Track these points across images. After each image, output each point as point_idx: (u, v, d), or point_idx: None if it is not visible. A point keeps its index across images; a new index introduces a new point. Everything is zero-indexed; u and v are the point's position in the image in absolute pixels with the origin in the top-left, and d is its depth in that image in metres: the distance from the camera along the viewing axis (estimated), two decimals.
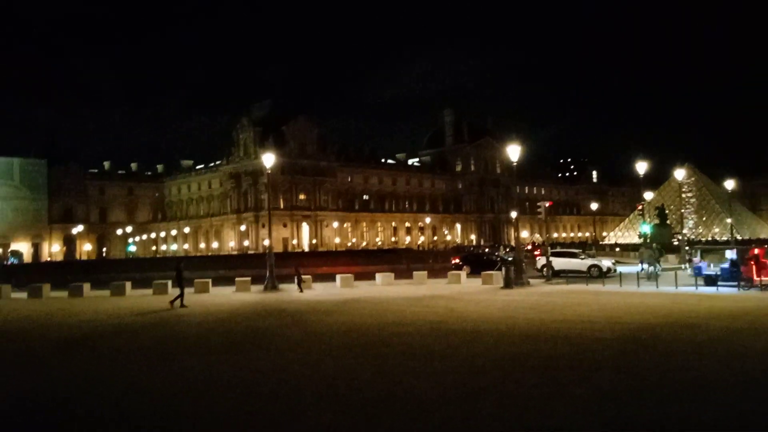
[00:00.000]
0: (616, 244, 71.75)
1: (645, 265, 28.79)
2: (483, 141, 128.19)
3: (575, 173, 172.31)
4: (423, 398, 7.59)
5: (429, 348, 11.19)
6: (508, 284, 24.02)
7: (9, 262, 75.62)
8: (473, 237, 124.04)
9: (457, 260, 36.58)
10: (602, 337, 12.05)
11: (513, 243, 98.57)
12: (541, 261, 31.93)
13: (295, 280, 25.81)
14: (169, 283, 27.11)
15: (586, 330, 12.98)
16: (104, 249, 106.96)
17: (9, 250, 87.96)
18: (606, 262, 31.69)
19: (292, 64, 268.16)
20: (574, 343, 11.39)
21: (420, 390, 8.00)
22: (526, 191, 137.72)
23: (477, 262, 34.76)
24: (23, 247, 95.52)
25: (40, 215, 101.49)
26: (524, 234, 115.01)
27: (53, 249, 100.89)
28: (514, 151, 26.56)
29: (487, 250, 55.66)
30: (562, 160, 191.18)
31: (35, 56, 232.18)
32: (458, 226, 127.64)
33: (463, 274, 29.01)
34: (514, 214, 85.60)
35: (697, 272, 23.26)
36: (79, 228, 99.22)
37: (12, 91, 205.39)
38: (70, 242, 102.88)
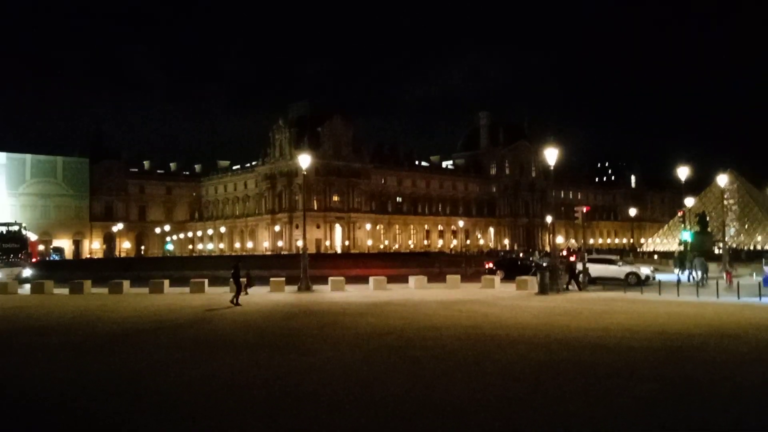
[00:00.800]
0: (655, 252, 70.13)
1: (697, 273, 28.43)
2: (519, 144, 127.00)
3: (613, 178, 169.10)
4: (459, 404, 7.54)
5: (463, 353, 11.12)
6: (543, 290, 23.70)
7: (51, 258, 77.94)
8: (507, 241, 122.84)
9: (491, 265, 36.27)
10: (642, 346, 11.80)
11: (548, 248, 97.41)
12: (577, 267, 31.41)
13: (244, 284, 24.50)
14: (206, 281, 27.62)
15: (624, 338, 12.72)
16: (143, 247, 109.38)
17: (51, 247, 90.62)
18: (644, 270, 31.00)
19: (330, 64, 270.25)
20: (613, 351, 11.17)
21: (456, 395, 7.96)
22: (562, 195, 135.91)
23: (511, 267, 34.41)
24: (65, 244, 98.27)
25: (81, 213, 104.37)
26: (559, 239, 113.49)
27: (94, 246, 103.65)
28: (551, 155, 26.21)
29: (521, 254, 55.00)
30: (599, 164, 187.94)
31: (82, 56, 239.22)
32: (492, 230, 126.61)
33: (496, 278, 28.77)
34: (549, 219, 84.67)
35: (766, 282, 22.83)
36: (119, 226, 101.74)
37: (57, 91, 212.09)
38: (110, 239, 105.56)
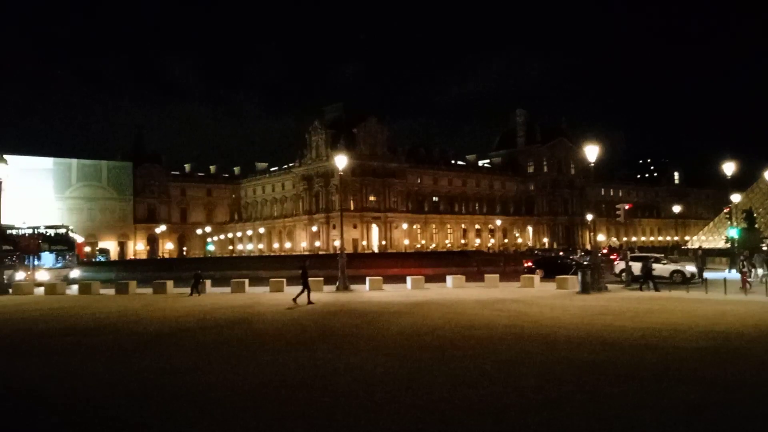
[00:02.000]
0: (700, 249, 68.12)
1: (761, 271, 27.66)
2: (557, 141, 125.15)
3: (655, 174, 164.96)
4: (500, 405, 7.46)
5: (504, 353, 11.00)
6: (585, 289, 23.28)
7: (97, 260, 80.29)
8: (546, 240, 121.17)
9: (530, 264, 35.80)
10: (688, 346, 11.47)
11: (588, 246, 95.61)
12: (619, 266, 30.79)
13: (192, 284, 25.81)
14: (246, 281, 28.04)
15: (670, 338, 12.39)
16: (185, 248, 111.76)
17: (97, 248, 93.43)
18: (690, 268, 30.18)
19: (363, 66, 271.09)
20: (658, 352, 10.89)
21: (497, 396, 7.88)
22: (603, 193, 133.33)
23: (551, 266, 33.90)
24: (110, 245, 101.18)
25: (125, 215, 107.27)
26: (600, 237, 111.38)
27: (138, 247, 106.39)
28: (591, 152, 25.70)
29: (561, 253, 54.19)
30: (641, 161, 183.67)
31: (123, 63, 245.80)
32: (530, 228, 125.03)
33: (536, 278, 28.39)
34: (590, 217, 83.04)
35: None
36: (162, 228, 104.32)
37: (100, 97, 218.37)
38: (153, 241, 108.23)
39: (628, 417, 6.95)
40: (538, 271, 32.66)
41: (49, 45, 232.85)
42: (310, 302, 20.52)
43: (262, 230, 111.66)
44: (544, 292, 24.48)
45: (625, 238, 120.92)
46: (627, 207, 32.11)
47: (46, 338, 14.08)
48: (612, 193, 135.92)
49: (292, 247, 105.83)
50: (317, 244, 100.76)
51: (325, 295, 25.13)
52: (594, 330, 13.69)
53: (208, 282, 28.37)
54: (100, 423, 6.97)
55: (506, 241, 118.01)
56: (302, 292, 20.86)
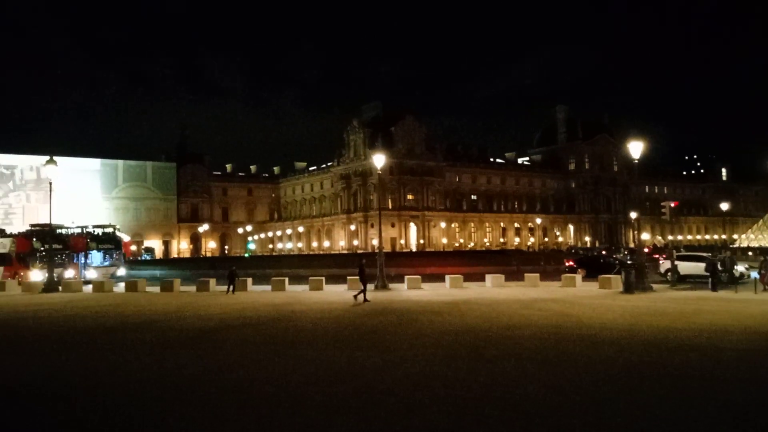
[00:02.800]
0: (749, 248, 65.83)
1: None
2: (599, 138, 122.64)
3: (702, 171, 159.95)
4: (542, 405, 7.36)
5: (545, 353, 10.84)
6: (628, 289, 22.76)
7: (143, 258, 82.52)
8: (587, 239, 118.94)
9: (572, 263, 35.21)
10: (737, 348, 11.12)
11: (631, 245, 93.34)
12: (665, 265, 30.01)
13: (228, 280, 26.25)
14: (286, 280, 28.39)
15: (718, 339, 12.03)
16: (226, 246, 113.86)
17: (142, 247, 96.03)
18: (738, 267, 29.18)
19: (400, 65, 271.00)
20: (703, 353, 10.58)
21: (538, 396, 7.77)
22: (647, 190, 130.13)
23: (593, 265, 33.28)
24: (155, 244, 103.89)
25: (169, 214, 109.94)
26: (645, 236, 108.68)
27: (181, 246, 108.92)
28: (635, 148, 25.09)
29: (603, 252, 53.07)
30: (687, 157, 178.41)
31: (166, 66, 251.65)
32: (571, 227, 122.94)
33: (578, 277, 27.90)
34: (634, 215, 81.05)
35: None
36: (204, 227, 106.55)
37: (145, 99, 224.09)
38: (196, 240, 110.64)
39: (673, 419, 6.77)
40: (579, 270, 32.09)
41: (96, 48, 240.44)
42: (365, 300, 20.88)
43: (301, 229, 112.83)
44: (586, 291, 24.04)
45: (670, 237, 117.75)
46: (673, 204, 31.20)
47: (94, 334, 14.53)
48: (657, 191, 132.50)
49: (331, 246, 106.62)
50: (355, 243, 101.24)
51: None
52: (638, 331, 13.38)
53: (249, 280, 28.82)
54: (147, 415, 7.15)
55: (546, 239, 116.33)
56: (365, 289, 21.24)
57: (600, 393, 7.94)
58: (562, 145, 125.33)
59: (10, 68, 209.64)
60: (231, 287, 26.04)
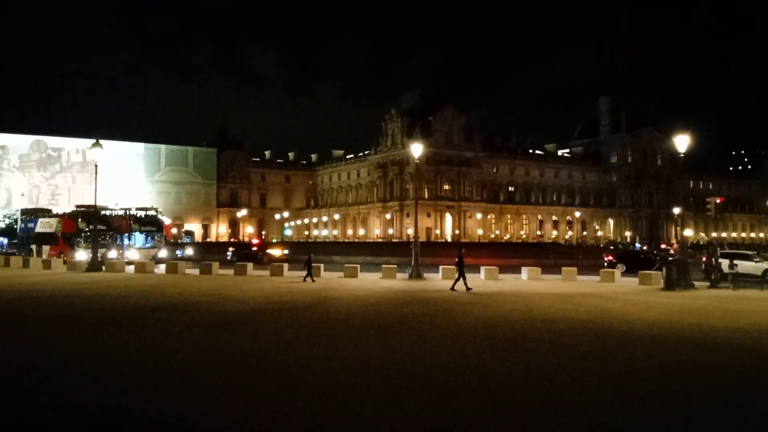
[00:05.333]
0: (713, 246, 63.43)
1: None
2: (643, 131, 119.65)
3: (749, 167, 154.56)
4: (577, 401, 7.26)
5: (582, 348, 10.69)
6: (669, 286, 22.23)
7: (183, 241, 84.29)
8: (628, 234, 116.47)
9: (611, 257, 34.57)
10: None
11: (673, 241, 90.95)
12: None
13: (306, 269, 25.52)
14: (322, 266, 28.64)
15: (761, 340, 11.65)
16: (263, 232, 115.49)
17: (183, 230, 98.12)
18: None
19: (439, 55, 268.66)
20: (748, 354, 10.28)
21: (575, 392, 7.68)
22: (691, 186, 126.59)
23: (633, 261, 32.62)
24: (195, 228, 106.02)
25: (209, 199, 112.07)
26: (687, 232, 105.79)
27: (220, 230, 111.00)
28: (681, 142, 24.38)
29: (644, 247, 51.94)
30: (734, 152, 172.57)
31: (209, 54, 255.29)
32: (611, 221, 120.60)
33: (617, 272, 27.39)
34: (677, 210, 78.95)
35: None
36: (243, 212, 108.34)
37: (188, 86, 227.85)
38: (234, 224, 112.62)
39: (711, 419, 6.61)
40: (619, 265, 31.51)
41: (144, 38, 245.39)
42: (468, 288, 20.79)
43: (336, 217, 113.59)
44: (626, 287, 23.58)
45: (714, 234, 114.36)
46: (718, 201, 30.28)
47: (137, 313, 14.94)
48: (701, 186, 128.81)
49: (366, 234, 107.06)
50: (390, 231, 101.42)
51: (398, 282, 25.30)
52: (679, 329, 13.07)
53: (285, 265, 29.17)
54: (190, 395, 7.33)
55: (585, 233, 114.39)
56: (458, 279, 21.21)
57: (639, 391, 7.80)
58: (604, 137, 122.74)
59: (62, 55, 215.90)
60: (308, 274, 25.18)
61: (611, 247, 66.68)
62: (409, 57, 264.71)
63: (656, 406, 7.15)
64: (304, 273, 25.14)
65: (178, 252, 48.03)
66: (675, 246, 27.51)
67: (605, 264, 33.05)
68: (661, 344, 11.20)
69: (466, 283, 21.06)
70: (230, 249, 46.59)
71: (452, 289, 21.11)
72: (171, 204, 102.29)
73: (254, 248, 44.66)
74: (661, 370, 9.06)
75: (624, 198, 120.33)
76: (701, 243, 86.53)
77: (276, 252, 42.57)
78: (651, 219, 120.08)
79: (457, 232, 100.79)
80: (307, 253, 27.40)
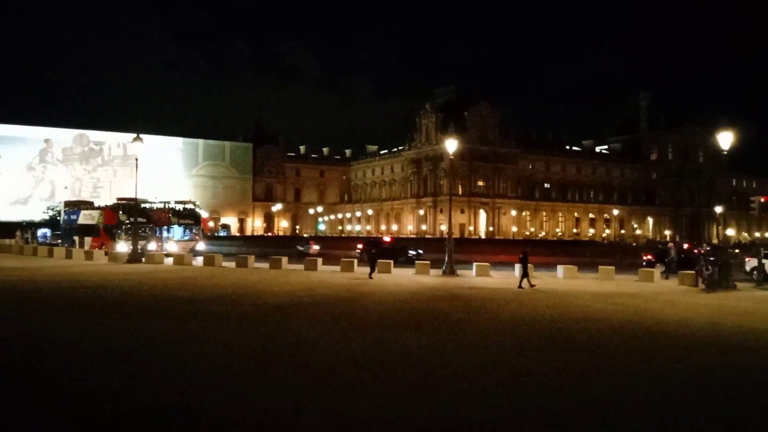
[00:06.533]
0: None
1: None
2: (684, 127, 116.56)
3: None
4: (615, 402, 7.15)
5: (620, 349, 10.51)
6: (711, 286, 21.66)
7: (219, 234, 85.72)
8: (667, 232, 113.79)
9: (650, 257, 33.82)
10: None
11: (715, 240, 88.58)
12: (751, 263, 28.29)
13: (369, 263, 25.29)
14: (355, 261, 28.78)
15: None
16: (298, 226, 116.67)
17: (219, 224, 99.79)
18: None
19: (473, 50, 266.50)
20: None
21: (611, 393, 7.56)
22: (734, 184, 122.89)
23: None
24: (231, 221, 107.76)
25: (245, 193, 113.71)
26: (730, 232, 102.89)
27: (256, 224, 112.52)
28: (724, 139, 23.67)
29: (685, 246, 50.61)
30: None
31: (245, 50, 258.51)
32: (650, 219, 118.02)
33: (656, 272, 26.79)
34: (719, 209, 76.78)
35: None
36: (278, 206, 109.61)
37: (226, 80, 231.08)
38: (269, 218, 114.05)
39: (753, 424, 6.43)
40: (658, 265, 30.79)
41: (181, 34, 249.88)
42: (531, 285, 20.94)
43: (370, 212, 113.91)
44: (665, 287, 23.07)
45: (757, 234, 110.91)
46: (762, 200, 29.35)
47: (175, 305, 15.27)
48: (745, 184, 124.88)
49: (399, 230, 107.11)
50: (423, 227, 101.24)
51: (431, 278, 25.25)
52: (720, 330, 12.73)
53: (319, 260, 29.41)
54: (225, 386, 7.47)
55: (623, 232, 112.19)
56: (523, 276, 21.29)
57: (678, 394, 7.63)
58: (643, 133, 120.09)
59: (103, 51, 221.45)
60: (373, 271, 24.76)
61: (661, 245, 65.05)
62: (441, 51, 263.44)
63: (695, 408, 6.99)
64: (338, 268, 25.29)
65: (199, 247, 41.16)
66: (671, 245, 26.79)
67: (644, 263, 32.37)
68: (701, 346, 10.94)
69: (529, 280, 21.16)
70: (359, 246, 41.73)
71: (520, 286, 21.00)
72: (208, 198, 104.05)
73: (388, 246, 39.82)
74: (700, 371, 8.86)
75: (664, 196, 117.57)
76: (744, 243, 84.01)
77: (412, 252, 38.37)
78: (692, 218, 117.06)
79: (491, 228, 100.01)
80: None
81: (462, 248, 39.35)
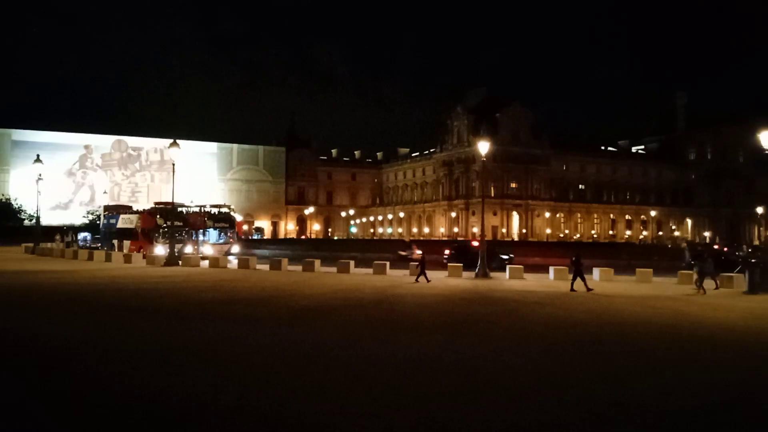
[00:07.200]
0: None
1: None
2: (723, 127, 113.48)
3: None
4: (654, 408, 7.03)
5: (659, 353, 10.32)
6: (752, 289, 21.05)
7: (253, 237, 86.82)
8: (707, 234, 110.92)
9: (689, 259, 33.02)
10: None
11: (756, 242, 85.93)
12: None
13: (419, 267, 24.42)
14: (387, 264, 28.81)
15: None
16: (330, 229, 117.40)
17: (253, 227, 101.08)
18: None
19: (506, 50, 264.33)
20: None
21: (650, 398, 7.43)
22: None
23: (713, 262, 30.98)
24: (264, 224, 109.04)
25: (278, 196, 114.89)
26: None
27: (289, 227, 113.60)
28: (766, 138, 22.99)
29: (725, 249, 49.29)
30: None
31: (278, 55, 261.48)
32: (689, 221, 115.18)
33: (695, 274, 26.11)
34: (760, 210, 74.60)
35: None
36: (310, 209, 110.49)
37: (259, 85, 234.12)
38: (302, 221, 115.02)
39: None
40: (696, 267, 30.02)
41: (215, 41, 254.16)
42: (588, 289, 20.53)
43: (402, 215, 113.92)
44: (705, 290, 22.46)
45: None
46: None
47: (212, 306, 15.53)
48: None
49: (431, 233, 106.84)
50: (455, 230, 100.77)
51: (464, 281, 25.14)
52: (763, 334, 12.38)
53: (351, 262, 29.55)
54: (263, 387, 7.58)
55: (661, 233, 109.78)
56: (580, 280, 20.83)
57: (719, 398, 7.46)
58: (681, 133, 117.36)
59: (140, 58, 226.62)
60: (421, 273, 23.92)
61: (700, 247, 63.46)
62: (473, 54, 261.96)
63: (737, 414, 6.83)
64: (370, 270, 25.34)
65: (234, 250, 41.24)
66: (684, 245, 25.86)
67: (683, 265, 31.62)
68: (743, 350, 10.66)
69: (585, 283, 20.73)
70: (447, 250, 39.16)
71: (572, 290, 20.59)
72: (242, 201, 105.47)
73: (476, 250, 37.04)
74: (742, 377, 8.64)
75: (702, 196, 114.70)
76: None
77: (504, 256, 36.06)
78: (731, 219, 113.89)
79: (524, 231, 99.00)
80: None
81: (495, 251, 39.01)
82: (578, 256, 21.38)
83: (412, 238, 78.99)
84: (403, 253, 45.27)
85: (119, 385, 7.51)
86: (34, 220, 50.58)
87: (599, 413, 6.71)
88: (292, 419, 6.27)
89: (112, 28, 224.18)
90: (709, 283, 21.92)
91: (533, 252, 48.70)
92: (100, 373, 8.13)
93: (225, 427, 6.07)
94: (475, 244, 40.61)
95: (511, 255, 36.71)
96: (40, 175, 44.84)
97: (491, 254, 35.38)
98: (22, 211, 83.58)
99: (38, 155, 49.90)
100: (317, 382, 7.83)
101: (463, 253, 35.76)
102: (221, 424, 6.14)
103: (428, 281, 23.43)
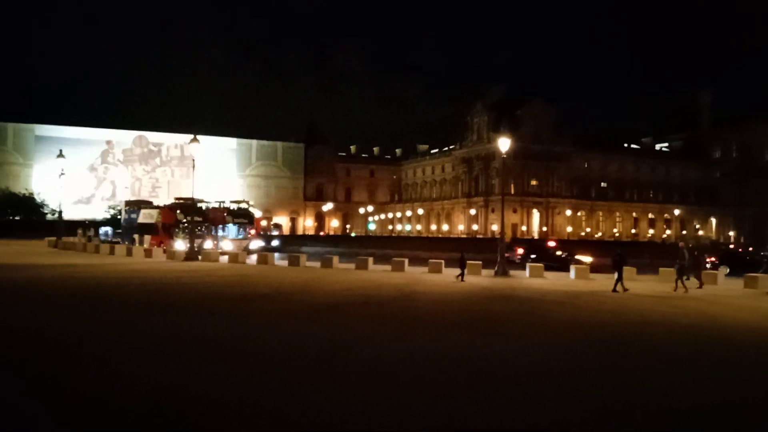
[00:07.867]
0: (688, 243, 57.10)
1: None
2: (748, 124, 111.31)
3: None
4: (675, 408, 6.87)
5: (681, 353, 10.11)
6: None
7: (272, 233, 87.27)
8: (731, 233, 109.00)
9: (713, 259, 32.47)
10: None
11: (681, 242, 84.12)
12: None
13: (460, 265, 23.96)
14: (406, 261, 28.68)
15: None
16: (348, 225, 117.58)
17: (272, 223, 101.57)
18: None
19: (525, 49, 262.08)
20: None
21: (672, 399, 7.27)
22: None
23: (738, 262, 30.50)
24: (282, 220, 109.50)
25: (297, 193, 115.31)
26: None
27: (307, 223, 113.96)
28: None
29: (750, 248, 48.38)
30: None
31: (298, 52, 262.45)
32: (713, 220, 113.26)
33: (719, 274, 25.70)
34: None
35: None
36: (329, 206, 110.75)
37: (278, 81, 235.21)
38: (320, 218, 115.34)
39: None
40: (721, 267, 29.56)
41: (236, 39, 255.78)
42: (625, 289, 19.91)
43: (420, 211, 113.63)
44: (729, 290, 22.11)
45: None
46: None
47: (231, 302, 15.59)
48: None
49: (450, 230, 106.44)
50: (475, 227, 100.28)
51: (483, 279, 24.96)
52: None
53: (370, 259, 29.50)
54: (282, 385, 7.55)
55: (684, 232, 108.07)
56: (619, 279, 20.29)
57: (740, 399, 7.25)
58: (705, 131, 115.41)
59: (161, 55, 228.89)
60: (462, 273, 23.64)
61: (727, 247, 62.26)
62: (492, 52, 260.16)
63: (759, 415, 6.63)
64: (388, 267, 25.25)
65: (252, 245, 41.35)
66: (681, 244, 25.04)
67: (707, 265, 31.09)
68: (766, 351, 10.39)
69: (622, 284, 19.97)
70: (518, 250, 37.82)
71: (614, 290, 19.91)
72: (261, 197, 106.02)
73: (554, 250, 36.73)
74: (766, 378, 8.41)
75: (727, 195, 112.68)
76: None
77: (586, 258, 34.11)
78: (757, 218, 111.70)
79: (544, 228, 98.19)
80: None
81: (515, 249, 38.68)
82: (620, 254, 20.57)
83: (513, 237, 75.83)
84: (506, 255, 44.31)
85: (133, 381, 7.53)
86: (56, 215, 51.35)
87: (620, 414, 6.56)
88: (305, 417, 6.21)
89: (135, 27, 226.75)
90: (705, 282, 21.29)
91: (557, 247, 48.12)
92: (116, 369, 8.16)
93: (238, 424, 6.04)
94: (552, 243, 40.89)
95: (589, 258, 35.04)
96: (62, 170, 45.47)
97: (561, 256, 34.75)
98: (44, 205, 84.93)
99: (61, 150, 50.65)
100: (336, 380, 7.77)
101: (536, 252, 35.18)
102: (236, 421, 6.11)
103: (462, 280, 23.17)
